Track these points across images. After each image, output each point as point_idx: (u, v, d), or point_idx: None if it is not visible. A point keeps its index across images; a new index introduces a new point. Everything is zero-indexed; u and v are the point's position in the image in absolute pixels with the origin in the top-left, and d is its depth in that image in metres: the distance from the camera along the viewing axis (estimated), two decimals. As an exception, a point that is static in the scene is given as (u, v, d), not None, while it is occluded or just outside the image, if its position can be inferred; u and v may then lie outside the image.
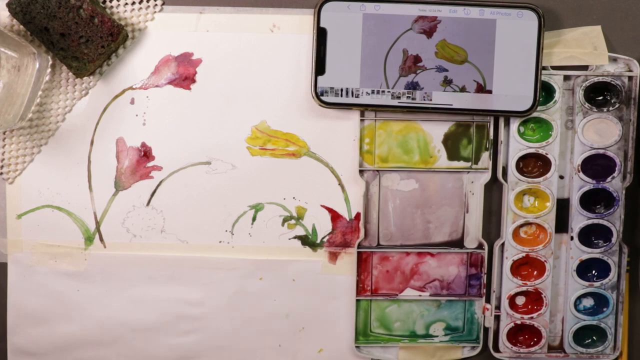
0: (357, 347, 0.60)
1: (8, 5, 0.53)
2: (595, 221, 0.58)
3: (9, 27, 0.56)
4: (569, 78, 0.57)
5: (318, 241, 0.59)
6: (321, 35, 0.55)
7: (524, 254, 0.58)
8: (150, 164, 0.58)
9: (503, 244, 0.59)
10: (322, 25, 0.55)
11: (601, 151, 0.57)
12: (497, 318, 0.60)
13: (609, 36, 0.57)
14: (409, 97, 0.56)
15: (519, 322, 0.59)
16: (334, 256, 0.59)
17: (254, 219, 0.59)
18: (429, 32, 0.55)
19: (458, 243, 0.59)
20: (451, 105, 0.56)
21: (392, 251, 0.59)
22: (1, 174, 0.58)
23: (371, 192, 0.59)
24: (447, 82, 0.55)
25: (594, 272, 0.59)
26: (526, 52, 0.55)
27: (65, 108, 0.58)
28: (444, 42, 0.55)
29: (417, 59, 0.55)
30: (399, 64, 0.55)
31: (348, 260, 0.59)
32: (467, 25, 0.55)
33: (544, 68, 0.56)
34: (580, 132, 0.57)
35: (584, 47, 0.57)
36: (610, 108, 0.57)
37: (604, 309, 0.59)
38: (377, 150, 0.58)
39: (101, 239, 0.59)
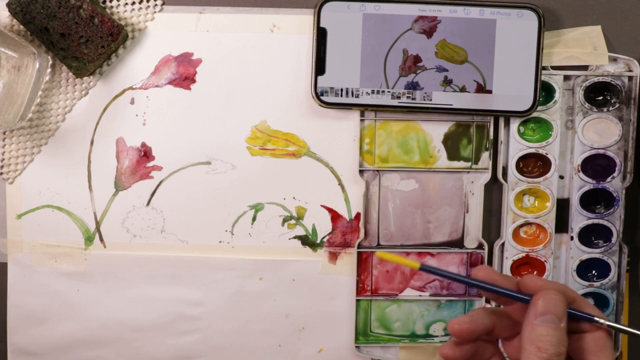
0: (357, 347, 0.60)
1: (8, 5, 0.53)
2: (595, 221, 0.58)
3: (9, 27, 0.56)
4: (569, 78, 0.57)
5: (318, 241, 0.59)
6: (321, 35, 0.55)
7: (524, 254, 0.58)
8: (150, 164, 0.58)
9: (503, 244, 0.59)
10: (322, 25, 0.55)
11: (601, 151, 0.57)
12: (497, 318, 0.60)
13: (609, 36, 0.57)
14: (409, 97, 0.56)
15: (519, 322, 0.59)
16: (334, 256, 0.59)
17: (254, 219, 0.59)
18: (429, 32, 0.55)
19: (458, 243, 0.59)
20: (451, 105, 0.56)
21: (392, 251, 0.59)
22: (1, 174, 0.58)
23: (371, 192, 0.59)
24: (447, 82, 0.55)
25: (594, 272, 0.59)
26: (526, 52, 0.55)
27: (65, 108, 0.58)
28: (444, 42, 0.55)
29: (417, 59, 0.55)
30: (399, 64, 0.55)
31: (348, 260, 0.59)
32: (467, 25, 0.55)
33: (544, 68, 0.56)
34: (580, 132, 0.57)
35: (584, 47, 0.57)
36: (610, 108, 0.57)
37: (604, 309, 0.59)
38: (377, 150, 0.58)
39: (101, 239, 0.59)
